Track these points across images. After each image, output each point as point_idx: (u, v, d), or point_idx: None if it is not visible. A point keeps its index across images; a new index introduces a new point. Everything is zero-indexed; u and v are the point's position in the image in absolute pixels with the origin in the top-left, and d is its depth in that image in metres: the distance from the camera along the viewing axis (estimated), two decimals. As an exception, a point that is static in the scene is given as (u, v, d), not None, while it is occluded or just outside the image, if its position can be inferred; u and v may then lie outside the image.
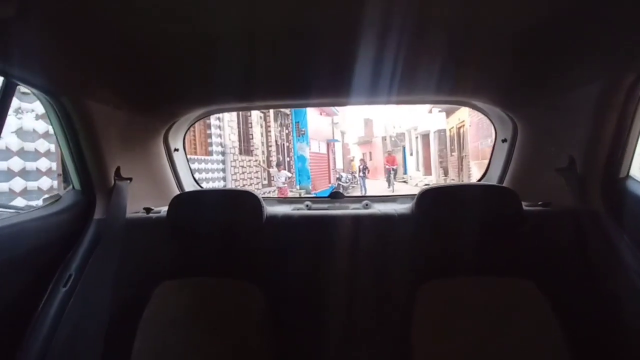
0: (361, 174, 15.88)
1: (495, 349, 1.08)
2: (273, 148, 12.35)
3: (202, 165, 8.20)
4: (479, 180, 1.89)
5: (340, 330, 1.16)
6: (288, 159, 13.92)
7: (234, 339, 1.17)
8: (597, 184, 1.14)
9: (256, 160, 10.83)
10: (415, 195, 1.29)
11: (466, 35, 0.99)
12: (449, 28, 0.95)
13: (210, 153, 8.62)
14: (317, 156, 15.87)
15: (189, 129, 1.90)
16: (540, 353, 1.07)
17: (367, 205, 1.60)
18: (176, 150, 1.81)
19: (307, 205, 1.65)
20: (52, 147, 4.31)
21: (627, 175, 1.13)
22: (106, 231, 1.23)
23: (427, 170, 18.86)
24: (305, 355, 1.16)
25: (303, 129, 14.06)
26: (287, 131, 13.84)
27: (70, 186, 1.34)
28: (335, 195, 1.74)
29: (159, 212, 1.43)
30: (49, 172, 4.29)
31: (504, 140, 1.63)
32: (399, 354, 1.13)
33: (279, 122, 13.06)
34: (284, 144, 13.57)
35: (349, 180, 16.02)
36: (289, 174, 10.92)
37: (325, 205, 1.66)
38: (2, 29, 0.81)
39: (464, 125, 12.75)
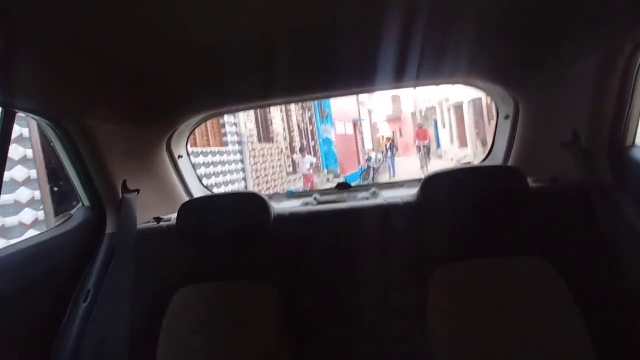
0: (389, 154, 14.38)
1: (513, 328, 1.05)
2: (295, 133, 11.56)
3: (217, 158, 7.56)
4: (484, 159, 1.84)
5: (357, 323, 1.15)
6: (313, 142, 13.10)
7: (252, 339, 1.16)
8: (603, 156, 1.13)
9: (278, 147, 10.09)
10: (421, 179, 1.28)
11: (462, 13, 0.97)
12: (444, 7, 0.93)
13: (225, 144, 7.97)
14: (344, 137, 14.93)
15: (190, 134, 1.87)
16: (558, 329, 1.03)
17: (374, 193, 1.59)
18: (180, 156, 1.78)
19: (315, 198, 1.65)
20: (33, 173, 3.51)
21: (633, 144, 1.12)
22: (119, 244, 1.25)
23: (462, 143, 17.82)
24: (322, 349, 1.15)
25: (326, 110, 13.15)
26: (309, 114, 12.99)
27: (80, 204, 1.34)
28: (341, 186, 1.75)
29: (169, 219, 1.42)
30: (31, 203, 3.50)
31: (507, 117, 1.60)
32: (417, 342, 1.09)
33: (300, 105, 12.22)
34: (307, 128, 12.74)
35: (380, 160, 14.95)
36: (314, 159, 10.09)
37: (333, 197, 1.65)
38: None
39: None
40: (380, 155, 15.83)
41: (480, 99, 14.87)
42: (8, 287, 0.98)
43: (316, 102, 13.06)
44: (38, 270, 1.07)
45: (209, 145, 7.53)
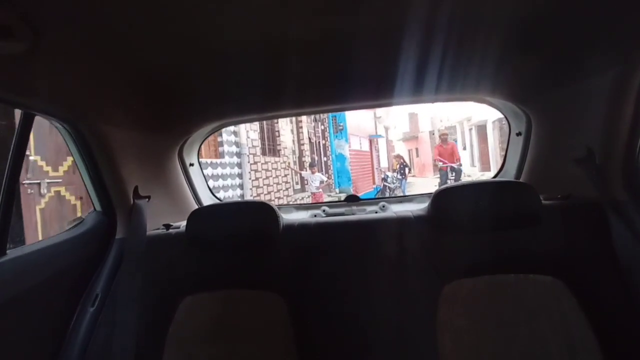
0: (399, 176, 12.32)
1: (523, 347, 1.01)
2: (306, 147, 10.21)
3: (209, 171, 6.23)
4: (495, 175, 1.80)
5: (365, 335, 1.11)
6: (325, 158, 11.74)
7: (259, 349, 1.13)
8: (618, 173, 1.09)
9: (285, 162, 8.75)
10: (431, 193, 1.26)
11: (475, 30, 0.97)
12: (458, 26, 0.93)
13: (221, 155, 6.65)
14: (359, 154, 13.51)
15: (202, 142, 1.85)
16: (570, 350, 0.99)
17: (383, 206, 1.57)
18: (191, 165, 1.76)
19: (323, 210, 1.64)
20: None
21: None
22: (128, 250, 1.23)
23: (485, 166, 16.47)
24: None
25: (341, 124, 11.81)
26: (322, 127, 11.68)
27: (92, 208, 1.32)
28: (350, 199, 1.70)
29: (178, 227, 1.39)
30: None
31: (519, 134, 1.54)
32: (425, 357, 1.06)
33: (312, 117, 10.92)
34: (319, 142, 11.41)
35: (397, 180, 13.47)
36: (325, 177, 8.67)
37: (342, 210, 1.64)
38: (16, 64, 0.82)
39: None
40: (397, 175, 14.41)
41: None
42: (18, 288, 0.97)
43: (330, 115, 11.74)
44: (48, 273, 1.06)
45: (200, 156, 6.23)
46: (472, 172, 16.52)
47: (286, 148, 8.97)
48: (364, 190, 12.44)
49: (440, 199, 1.17)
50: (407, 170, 12.31)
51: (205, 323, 1.15)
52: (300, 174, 9.07)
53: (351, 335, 1.12)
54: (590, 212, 1.11)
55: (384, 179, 13.15)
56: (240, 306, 1.18)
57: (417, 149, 25.80)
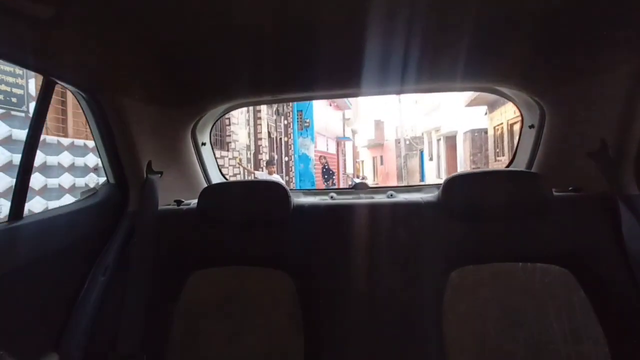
0: (323, 180, 10.19)
1: (527, 334, 1.01)
2: (265, 142, 8.29)
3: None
4: (506, 167, 1.72)
5: (370, 317, 1.08)
6: (286, 158, 9.88)
7: (266, 326, 1.13)
8: (630, 167, 1.06)
9: (235, 158, 6.79)
10: (440, 184, 1.22)
11: (489, 19, 0.94)
12: (471, 12, 0.90)
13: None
14: (325, 156, 11.72)
15: (215, 123, 1.80)
16: (575, 339, 0.99)
17: (391, 195, 1.54)
18: (203, 144, 1.71)
19: (331, 197, 1.59)
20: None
21: None
22: (140, 223, 1.22)
23: None
24: (335, 341, 1.09)
25: (307, 120, 10.04)
26: (285, 122, 9.81)
27: (105, 180, 1.30)
28: (359, 187, 1.65)
29: (188, 204, 1.36)
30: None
31: (532, 126, 1.48)
32: (431, 341, 1.05)
33: (274, 109, 9.04)
34: (280, 138, 9.54)
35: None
36: (282, 182, 6.75)
37: (350, 197, 1.58)
38: (42, 29, 0.81)
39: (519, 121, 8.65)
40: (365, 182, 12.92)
41: (483, 129, 12.48)
42: (32, 253, 0.96)
43: (295, 108, 9.90)
44: (61, 240, 1.05)
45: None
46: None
47: (238, 141, 7.02)
48: (328, 196, 10.73)
49: (451, 186, 1.14)
50: (331, 174, 10.10)
51: (213, 298, 1.15)
52: (254, 175, 7.09)
53: (357, 316, 1.08)
54: (602, 205, 1.08)
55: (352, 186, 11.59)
56: (248, 283, 1.16)
57: (381, 157, 24.96)
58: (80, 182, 4.09)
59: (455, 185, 1.13)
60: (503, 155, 10.27)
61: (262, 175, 6.65)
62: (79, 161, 4.10)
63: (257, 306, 1.13)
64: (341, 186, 13.45)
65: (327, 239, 1.18)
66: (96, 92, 1.11)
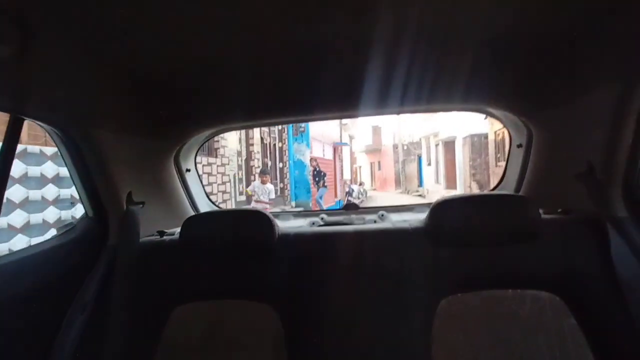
0: (314, 183, 9.45)
1: None
2: (257, 148, 7.87)
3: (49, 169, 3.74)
4: (494, 187, 1.74)
5: (358, 350, 1.05)
6: (281, 164, 9.46)
7: None
8: (618, 189, 1.04)
9: (223, 165, 6.36)
10: (430, 203, 1.20)
11: (475, 42, 0.96)
12: (458, 36, 0.92)
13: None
14: (321, 162, 11.31)
15: (199, 149, 1.75)
16: None
17: (382, 215, 1.53)
18: (188, 170, 1.65)
19: (322, 218, 1.57)
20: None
21: None
22: (121, 257, 1.17)
23: (450, 183, 15.24)
24: None
25: (302, 126, 9.59)
26: (279, 127, 9.40)
27: (84, 213, 1.25)
28: (349, 207, 1.65)
29: (172, 234, 1.32)
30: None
31: (519, 146, 1.48)
32: None
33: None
34: (274, 144, 9.11)
35: (362, 193, 11.47)
36: (273, 194, 6.17)
37: (341, 218, 1.58)
38: (4, 67, 0.78)
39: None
40: (362, 189, 12.44)
41: (482, 135, 12.14)
42: (5, 296, 0.93)
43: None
44: (37, 280, 1.01)
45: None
46: (436, 189, 15.38)
47: (227, 147, 6.59)
48: (325, 203, 10.28)
49: (438, 211, 1.12)
50: (323, 176, 9.38)
51: (197, 333, 1.12)
52: (246, 191, 6.57)
53: (345, 348, 1.05)
54: (590, 227, 1.07)
55: (349, 193, 11.12)
56: (232, 316, 1.13)
57: (379, 162, 24.69)
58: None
59: (443, 210, 1.11)
60: (504, 161, 9.93)
61: (257, 186, 6.20)
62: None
63: (241, 340, 1.10)
64: (338, 194, 13.03)
65: (312, 269, 1.15)
66: (68, 127, 1.07)
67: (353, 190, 11.12)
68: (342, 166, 15.43)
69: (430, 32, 0.86)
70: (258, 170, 7.54)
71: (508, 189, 1.55)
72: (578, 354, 0.96)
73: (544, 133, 1.32)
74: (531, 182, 1.42)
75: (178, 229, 1.21)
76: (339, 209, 1.71)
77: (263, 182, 6.01)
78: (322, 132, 12.18)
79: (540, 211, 1.07)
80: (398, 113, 1.51)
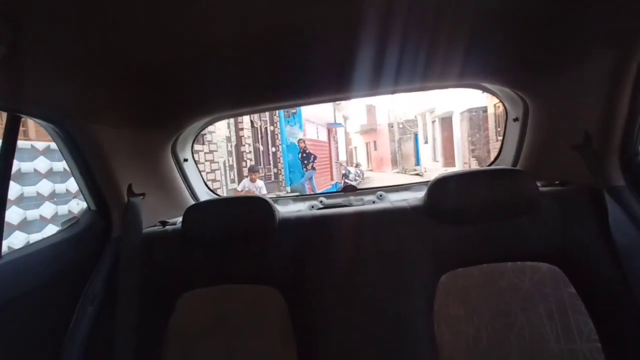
0: (303, 166, 8.90)
1: (519, 334, 1.00)
2: (247, 133, 7.44)
3: (42, 163, 3.36)
4: (492, 162, 1.73)
5: (363, 327, 1.06)
6: (274, 149, 9.06)
7: (258, 344, 1.11)
8: (616, 159, 1.05)
9: (210, 151, 5.96)
10: (428, 182, 1.22)
11: (467, 15, 0.90)
12: (449, 9, 0.87)
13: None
14: (315, 145, 10.96)
15: (196, 138, 1.75)
16: (567, 337, 0.98)
17: (381, 196, 1.56)
18: (185, 160, 1.66)
19: (321, 201, 1.59)
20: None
21: None
22: (125, 248, 1.19)
23: (448, 161, 14.93)
24: (329, 354, 1.07)
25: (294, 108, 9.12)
26: (270, 109, 8.93)
27: (86, 207, 1.25)
28: (347, 189, 1.66)
29: (174, 223, 1.34)
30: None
31: (516, 119, 1.48)
32: (424, 347, 1.03)
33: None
34: (265, 128, 8.69)
35: (359, 175, 11.12)
36: (265, 190, 5.79)
37: (340, 200, 1.59)
38: None
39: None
40: (358, 171, 12.08)
41: (481, 108, 11.75)
42: (16, 291, 0.94)
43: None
44: (45, 274, 1.02)
45: (27, 137, 3.35)
46: (434, 167, 15.05)
47: (215, 133, 6.17)
48: (321, 186, 9.96)
49: (436, 188, 1.13)
50: (312, 158, 8.87)
51: (203, 318, 1.14)
52: (237, 189, 6.18)
53: (349, 326, 1.07)
54: (588, 198, 1.08)
55: (345, 175, 10.75)
56: (238, 301, 1.15)
57: (375, 142, 24.27)
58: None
59: (441, 187, 1.11)
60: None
61: (246, 183, 5.85)
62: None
63: (248, 324, 1.11)
64: (334, 177, 12.68)
65: (314, 251, 1.16)
66: (64, 122, 1.07)
67: (350, 172, 10.75)
68: (337, 148, 15.04)
69: (422, 8, 0.83)
70: (250, 156, 7.15)
71: (506, 164, 1.56)
72: (578, 324, 0.97)
73: (540, 105, 1.32)
74: (528, 155, 1.43)
75: (180, 219, 1.22)
76: (337, 192, 1.71)
77: (252, 180, 5.70)
78: (315, 113, 11.73)
79: (538, 184, 1.08)
80: (392, 93, 1.49)
